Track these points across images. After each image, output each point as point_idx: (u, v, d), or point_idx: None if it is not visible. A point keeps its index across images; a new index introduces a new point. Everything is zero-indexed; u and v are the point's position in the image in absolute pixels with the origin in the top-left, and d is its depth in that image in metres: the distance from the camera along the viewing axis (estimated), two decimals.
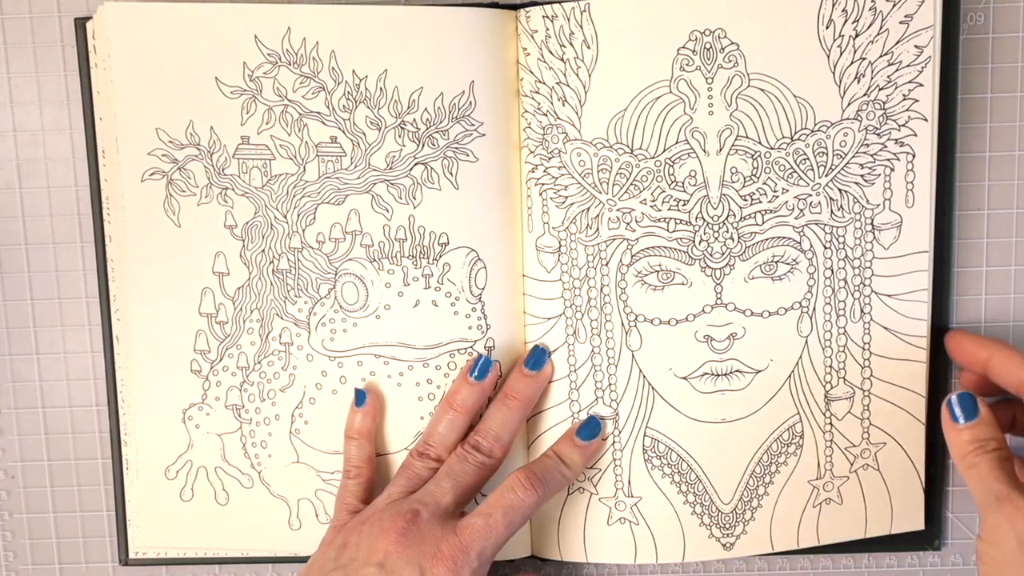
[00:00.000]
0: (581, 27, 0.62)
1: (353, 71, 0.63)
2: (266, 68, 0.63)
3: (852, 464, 0.68)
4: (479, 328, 0.66)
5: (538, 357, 0.65)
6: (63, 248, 0.71)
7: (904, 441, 0.68)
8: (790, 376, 0.67)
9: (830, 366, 0.67)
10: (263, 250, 0.65)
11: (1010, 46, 0.68)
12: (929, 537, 0.71)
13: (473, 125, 0.64)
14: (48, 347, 0.72)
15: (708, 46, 0.62)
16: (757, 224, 0.64)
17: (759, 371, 0.66)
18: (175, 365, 0.66)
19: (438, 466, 0.63)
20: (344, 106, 0.63)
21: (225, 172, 0.64)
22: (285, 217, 0.64)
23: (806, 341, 0.66)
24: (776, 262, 0.65)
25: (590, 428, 0.65)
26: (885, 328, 0.66)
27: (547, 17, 0.63)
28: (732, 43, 0.62)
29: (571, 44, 0.63)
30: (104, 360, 0.68)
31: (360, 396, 0.65)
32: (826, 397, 0.67)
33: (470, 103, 0.64)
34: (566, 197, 0.64)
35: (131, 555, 0.69)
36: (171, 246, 0.65)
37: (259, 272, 0.65)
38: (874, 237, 0.65)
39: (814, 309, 0.66)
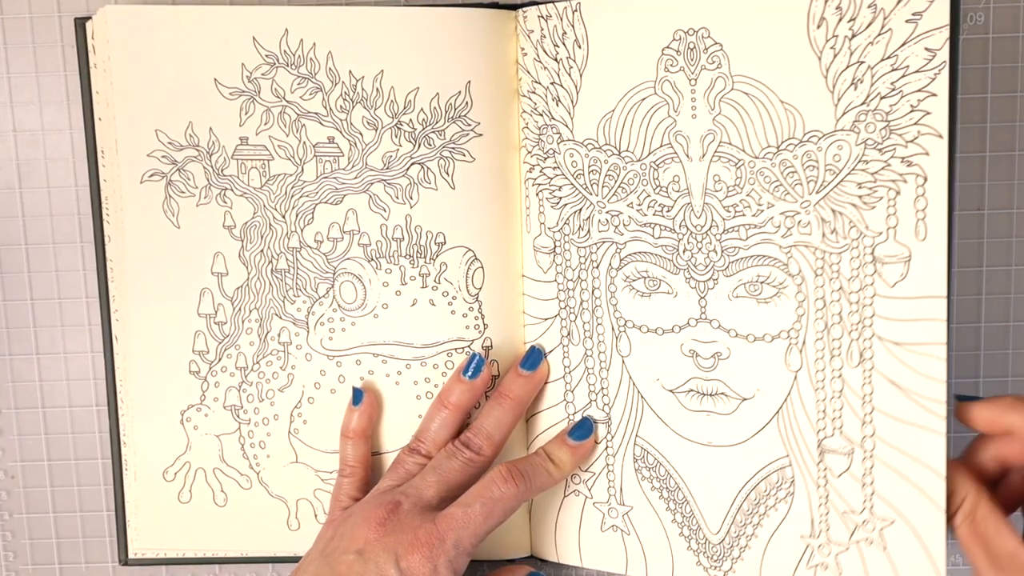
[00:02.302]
0: (573, 27, 0.62)
1: (350, 72, 0.63)
2: (264, 69, 0.63)
3: (852, 533, 0.59)
4: (476, 327, 0.66)
5: (534, 358, 0.66)
6: (63, 248, 0.71)
7: (919, 524, 0.57)
8: (778, 412, 0.60)
9: (823, 412, 0.59)
10: (262, 250, 0.65)
11: (1009, 46, 0.68)
12: None
13: (470, 125, 0.64)
14: (48, 347, 0.72)
15: (692, 46, 0.59)
16: (741, 239, 0.59)
17: (745, 399, 0.61)
18: (173, 366, 0.66)
19: (427, 462, 0.63)
20: (341, 106, 0.63)
21: (224, 173, 0.64)
22: (284, 217, 0.65)
23: (795, 377, 0.59)
24: (761, 283, 0.59)
25: (582, 429, 0.65)
26: (892, 382, 0.57)
27: (542, 17, 0.63)
28: (716, 43, 0.58)
29: (564, 44, 0.62)
30: (104, 360, 0.68)
31: (357, 395, 0.65)
32: (819, 446, 0.59)
33: (466, 103, 0.64)
34: (560, 198, 0.64)
35: (131, 555, 0.69)
36: (170, 247, 0.65)
37: (258, 272, 0.65)
38: (875, 270, 0.56)
39: (804, 343, 0.59)
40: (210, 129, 0.64)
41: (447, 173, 0.64)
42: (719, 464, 0.62)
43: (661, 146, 0.60)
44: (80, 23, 0.65)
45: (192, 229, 0.65)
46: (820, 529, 0.60)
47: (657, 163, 0.61)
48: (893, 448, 0.58)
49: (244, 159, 0.64)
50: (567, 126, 0.63)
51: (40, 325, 0.72)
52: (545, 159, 0.64)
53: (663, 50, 0.60)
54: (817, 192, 0.57)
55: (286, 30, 0.63)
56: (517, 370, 0.65)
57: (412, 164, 0.64)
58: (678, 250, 0.61)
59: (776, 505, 0.61)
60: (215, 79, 0.63)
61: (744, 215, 0.59)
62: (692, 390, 0.62)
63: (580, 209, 0.63)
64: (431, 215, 0.65)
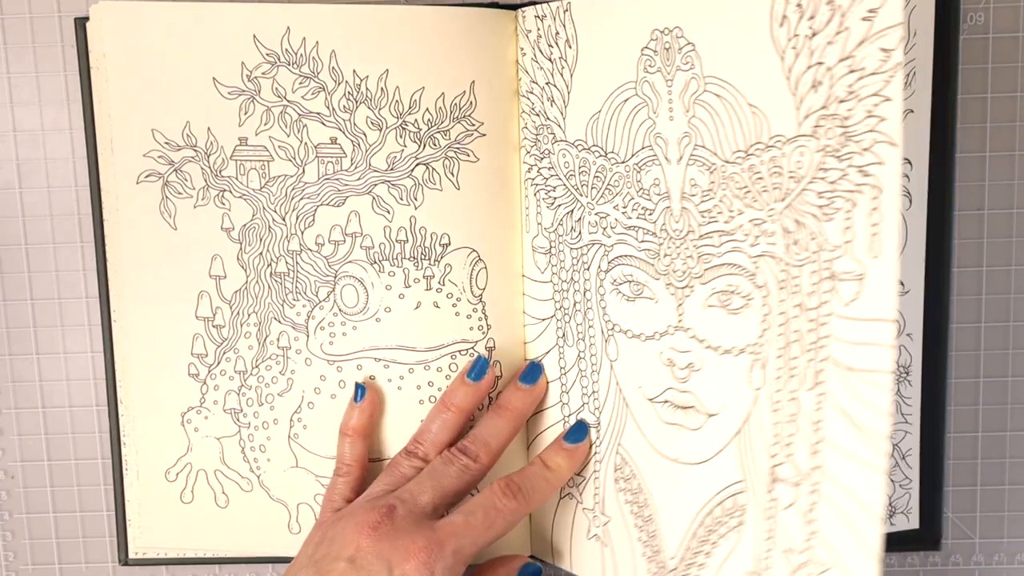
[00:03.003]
0: (564, 27, 0.60)
1: (354, 71, 0.61)
2: (265, 68, 0.61)
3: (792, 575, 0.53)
4: (480, 328, 0.64)
5: (533, 372, 0.64)
6: (63, 248, 0.70)
7: (853, 574, 0.50)
8: (738, 433, 0.55)
9: (778, 436, 0.53)
10: (261, 253, 0.63)
11: (1009, 46, 0.67)
12: (929, 538, 0.69)
13: (474, 125, 0.63)
14: (48, 347, 0.71)
15: (667, 46, 0.55)
16: (715, 246, 0.55)
17: (711, 415, 0.56)
18: (173, 369, 0.65)
19: (424, 466, 0.61)
20: (345, 106, 0.62)
21: (222, 174, 0.62)
22: (283, 219, 0.63)
23: (757, 396, 0.54)
24: (731, 293, 0.55)
25: (578, 432, 0.63)
26: (841, 409, 0.50)
27: (538, 17, 0.61)
28: (688, 43, 0.54)
29: (557, 44, 0.61)
30: (104, 360, 0.67)
31: (360, 391, 0.63)
32: (771, 473, 0.54)
33: (471, 103, 0.62)
34: (554, 199, 0.62)
35: (131, 555, 0.68)
36: (168, 249, 0.63)
37: (257, 275, 0.63)
38: (833, 287, 0.50)
39: (766, 359, 0.54)
40: (208, 129, 0.62)
41: (452, 174, 0.63)
42: (683, 483, 0.59)
43: (643, 148, 0.58)
44: (80, 23, 0.64)
45: (190, 231, 0.63)
46: (763, 567, 0.55)
47: (640, 165, 0.58)
48: (837, 484, 0.51)
49: (243, 160, 0.62)
50: (560, 126, 0.61)
51: (40, 325, 0.71)
52: (541, 159, 0.63)
53: (642, 50, 0.57)
54: (781, 200, 0.52)
55: (288, 28, 0.61)
56: (516, 383, 0.64)
57: (417, 165, 0.63)
58: (659, 255, 0.58)
59: (727, 534, 0.57)
60: (214, 78, 0.62)
61: (717, 221, 0.55)
62: (668, 401, 0.59)
63: (572, 210, 0.62)
64: (436, 216, 0.63)
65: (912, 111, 0.62)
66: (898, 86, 0.47)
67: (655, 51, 0.56)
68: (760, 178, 0.52)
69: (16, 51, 0.68)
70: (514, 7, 0.63)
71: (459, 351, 0.64)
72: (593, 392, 0.63)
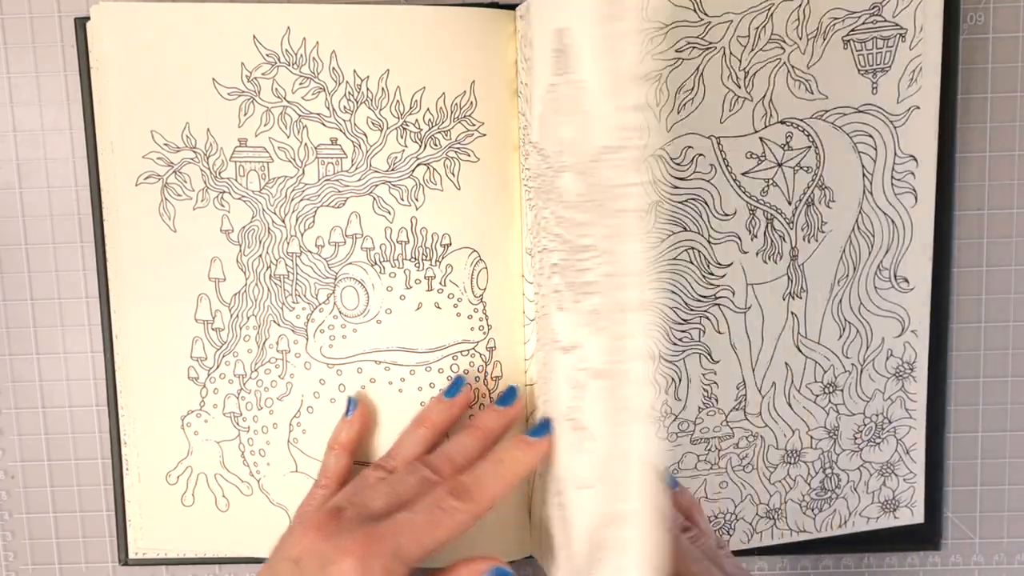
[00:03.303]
0: (529, 26, 0.59)
1: (355, 71, 0.61)
2: (265, 69, 0.61)
3: None
4: (481, 329, 0.63)
5: (508, 395, 0.63)
6: (63, 248, 0.69)
7: None
8: (604, 464, 0.51)
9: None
10: (260, 255, 0.62)
11: (1010, 46, 0.67)
12: (930, 537, 0.69)
13: (474, 125, 0.62)
14: (48, 347, 0.70)
15: (563, 48, 0.50)
16: (584, 260, 0.51)
17: (594, 440, 0.52)
18: (172, 372, 0.64)
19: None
20: (345, 107, 0.61)
21: (222, 175, 0.62)
22: (283, 221, 0.62)
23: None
24: (595, 313, 0.51)
25: (540, 428, 0.60)
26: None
27: (520, 17, 0.61)
28: (574, 43, 0.49)
29: (528, 44, 0.59)
30: (104, 360, 0.67)
31: (351, 405, 0.63)
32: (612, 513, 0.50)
33: (471, 103, 0.62)
34: (531, 199, 0.61)
35: (131, 555, 0.67)
36: (167, 251, 0.62)
37: (256, 278, 0.63)
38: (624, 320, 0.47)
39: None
40: (208, 130, 0.61)
41: (452, 174, 0.62)
42: (580, 506, 0.55)
43: (558, 152, 0.54)
44: (80, 23, 0.63)
45: (189, 233, 0.62)
46: None
47: (558, 171, 0.54)
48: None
49: (243, 161, 0.62)
50: (531, 126, 0.60)
51: (40, 325, 0.70)
52: (526, 159, 0.62)
53: (552, 52, 0.53)
54: (608, 217, 0.48)
55: (288, 28, 0.60)
56: (492, 405, 0.63)
57: (418, 165, 0.62)
58: (569, 266, 0.54)
59: (602, 567, 0.52)
60: (213, 79, 0.61)
61: (586, 236, 0.51)
62: (573, 419, 0.55)
63: (537, 213, 0.60)
64: (437, 216, 0.62)
65: (918, 107, 0.62)
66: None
67: (560, 52, 0.53)
68: (598, 190, 0.48)
69: (16, 51, 0.68)
70: (514, 7, 0.62)
71: (460, 352, 0.63)
72: (551, 399, 0.60)
